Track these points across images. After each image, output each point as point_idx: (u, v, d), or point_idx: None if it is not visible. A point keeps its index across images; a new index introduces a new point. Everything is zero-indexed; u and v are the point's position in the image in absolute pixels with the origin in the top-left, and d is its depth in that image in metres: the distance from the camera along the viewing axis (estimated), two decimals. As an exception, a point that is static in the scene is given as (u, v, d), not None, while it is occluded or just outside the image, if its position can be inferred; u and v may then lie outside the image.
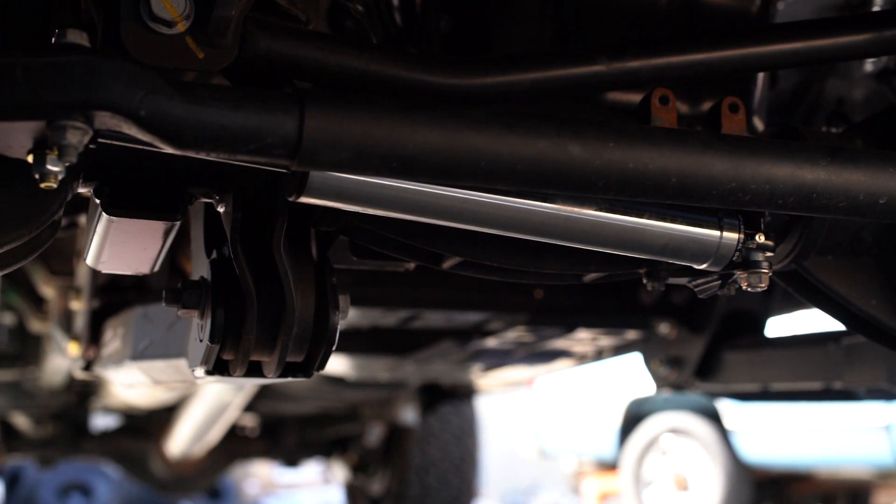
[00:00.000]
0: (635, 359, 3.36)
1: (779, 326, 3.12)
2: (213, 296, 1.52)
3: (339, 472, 6.60)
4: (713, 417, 8.31)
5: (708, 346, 3.01)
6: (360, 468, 6.18)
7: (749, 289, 1.55)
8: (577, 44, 1.89)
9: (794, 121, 2.46)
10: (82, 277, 2.75)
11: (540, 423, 10.05)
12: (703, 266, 1.56)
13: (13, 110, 1.05)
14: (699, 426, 8.39)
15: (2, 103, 1.04)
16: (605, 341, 3.27)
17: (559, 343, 3.24)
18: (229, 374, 1.56)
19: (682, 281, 1.69)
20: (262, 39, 1.30)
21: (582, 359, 3.64)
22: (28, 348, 4.14)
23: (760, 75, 2.00)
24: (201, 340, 1.55)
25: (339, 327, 1.55)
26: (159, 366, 2.22)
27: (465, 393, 5.56)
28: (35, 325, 3.70)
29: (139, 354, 2.23)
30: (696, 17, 1.89)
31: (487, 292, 2.89)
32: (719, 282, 1.63)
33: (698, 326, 3.01)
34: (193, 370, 1.61)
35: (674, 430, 8.67)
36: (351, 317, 2.93)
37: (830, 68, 2.44)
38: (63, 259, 3.10)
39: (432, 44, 1.83)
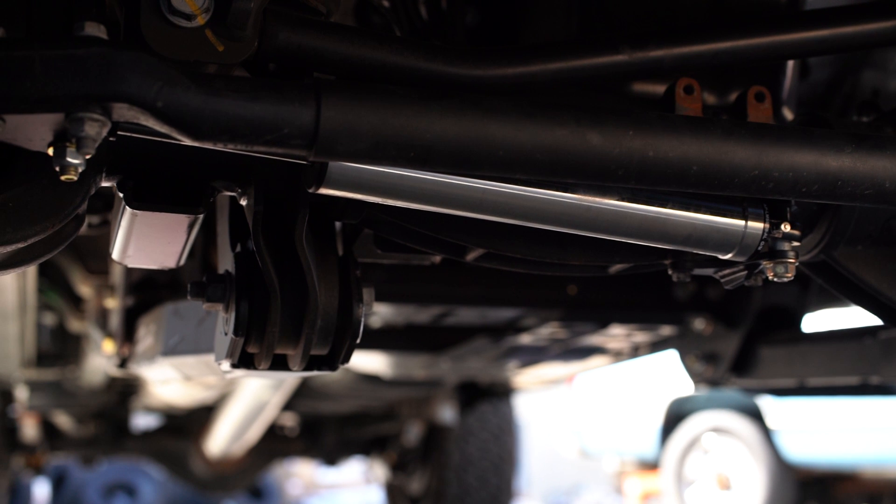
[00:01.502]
0: (674, 358, 3.33)
1: (816, 322, 3.08)
2: (237, 289, 1.53)
3: (379, 472, 6.62)
4: (756, 416, 8.23)
5: (744, 342, 2.97)
6: (398, 467, 6.19)
7: (775, 279, 1.53)
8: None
9: (829, 113, 2.42)
10: (116, 276, 2.77)
11: (581, 422, 10.02)
12: (729, 256, 1.55)
13: (33, 103, 1.06)
14: (741, 425, 8.31)
15: (22, 95, 1.06)
16: (640, 337, 3.25)
17: (594, 339, 3.22)
18: (254, 368, 1.57)
19: (708, 271, 1.68)
20: (282, 32, 1.30)
21: (618, 356, 3.61)
22: (68, 348, 4.19)
23: (789, 65, 1.97)
24: (226, 334, 1.56)
25: (364, 320, 1.55)
26: (190, 361, 2.24)
27: (503, 391, 5.55)
28: (74, 325, 3.73)
29: (170, 350, 2.25)
30: (723, 5, 1.87)
31: (520, 288, 2.88)
32: (745, 272, 1.61)
33: (733, 322, 2.97)
34: (219, 363, 1.62)
35: (716, 429, 8.60)
36: (385, 313, 2.94)
37: (865, 59, 2.40)
38: (99, 258, 3.13)
39: (457, 38, 1.83)
